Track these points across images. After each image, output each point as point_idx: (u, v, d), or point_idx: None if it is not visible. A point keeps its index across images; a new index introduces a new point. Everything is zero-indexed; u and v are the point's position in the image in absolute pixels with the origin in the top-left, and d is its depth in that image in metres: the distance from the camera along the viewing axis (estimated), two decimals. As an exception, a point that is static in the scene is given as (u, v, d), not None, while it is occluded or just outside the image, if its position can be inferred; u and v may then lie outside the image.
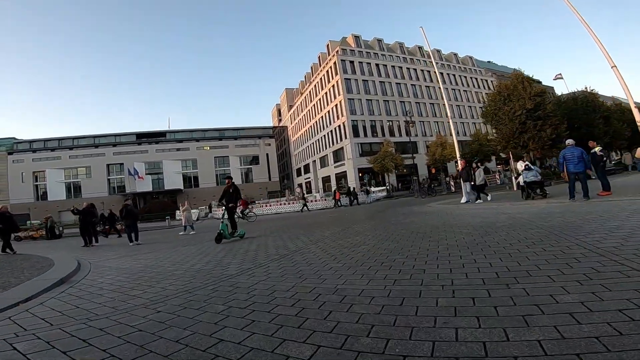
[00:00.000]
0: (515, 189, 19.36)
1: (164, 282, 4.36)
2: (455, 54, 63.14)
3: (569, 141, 9.37)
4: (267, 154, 68.51)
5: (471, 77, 61.13)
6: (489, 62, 70.21)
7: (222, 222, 8.78)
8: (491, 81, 62.48)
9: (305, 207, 26.70)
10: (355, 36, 53.99)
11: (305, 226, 11.87)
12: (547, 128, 19.56)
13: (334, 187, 43.63)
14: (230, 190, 9.40)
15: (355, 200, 27.31)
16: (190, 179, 66.71)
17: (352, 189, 29.53)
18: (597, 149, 9.72)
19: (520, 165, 12.11)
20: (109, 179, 63.03)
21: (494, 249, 4.35)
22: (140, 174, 60.49)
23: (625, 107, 30.26)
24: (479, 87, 61.42)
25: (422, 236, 6.17)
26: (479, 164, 13.75)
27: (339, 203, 26.93)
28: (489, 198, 12.87)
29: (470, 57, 64.03)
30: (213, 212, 35.29)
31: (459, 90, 58.38)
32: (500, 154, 43.37)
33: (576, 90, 26.13)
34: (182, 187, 64.20)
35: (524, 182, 11.30)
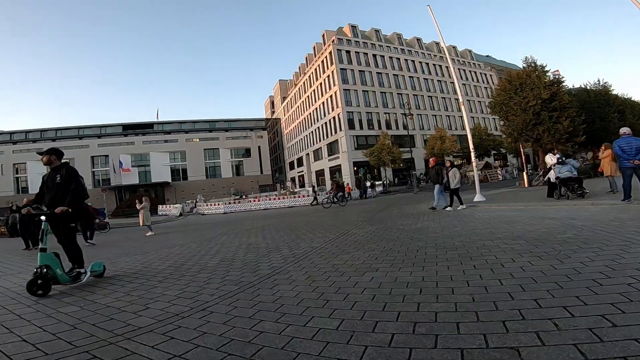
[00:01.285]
0: (541, 184, 17.49)
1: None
2: (454, 47, 61.13)
3: (625, 129, 7.43)
4: (259, 147, 66.13)
5: (470, 71, 59.29)
6: (487, 56, 68.37)
7: (42, 249, 3.84)
8: (490, 75, 60.76)
9: (315, 201, 24.81)
10: (352, 26, 51.65)
11: (293, 228, 9.82)
12: (563, 120, 17.72)
13: (344, 179, 39.98)
14: (58, 179, 4.28)
15: (346, 197, 25.50)
16: (178, 172, 64.17)
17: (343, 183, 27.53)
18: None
19: (551, 159, 10.14)
20: (93, 172, 60.16)
21: (616, 293, 2.32)
22: (125, 166, 57.80)
23: (636, 102, 28.61)
24: (477, 81, 59.64)
25: (457, 257, 4.12)
26: (453, 163, 11.33)
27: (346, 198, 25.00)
28: (460, 207, 10.15)
29: (469, 51, 62.10)
30: (198, 207, 33.05)
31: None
32: (501, 149, 41.72)
33: (588, 83, 24.35)
34: (169, 180, 61.69)
35: (557, 178, 9.34)
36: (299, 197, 27.14)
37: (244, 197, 37.26)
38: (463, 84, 56.94)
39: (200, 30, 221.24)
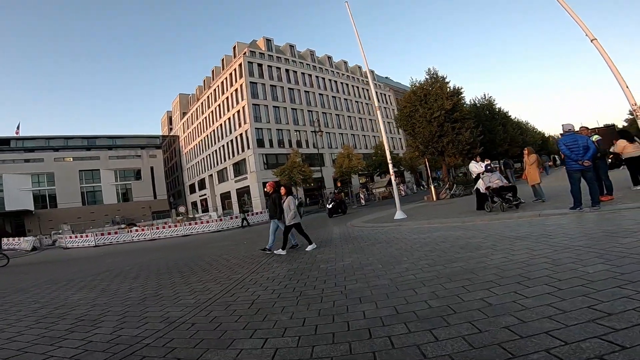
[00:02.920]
0: (448, 197, 17.40)
1: None
2: (360, 67, 64.40)
3: (568, 125, 6.45)
4: (151, 168, 57.91)
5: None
6: (386, 77, 73.98)
7: None
8: (388, 95, 65.37)
9: (245, 222, 21.84)
10: (267, 39, 49.78)
11: (166, 271, 6.53)
12: (464, 131, 18.31)
13: (254, 200, 37.11)
14: None
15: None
16: (45, 198, 51.77)
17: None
18: (595, 137, 7.13)
19: (476, 167, 9.13)
20: None
21: None
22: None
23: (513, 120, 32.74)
24: (379, 100, 63.47)
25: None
26: (290, 189, 7.64)
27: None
28: (309, 247, 7.10)
29: (372, 71, 66.12)
30: (59, 240, 25.72)
31: (362, 102, 59.08)
32: (400, 166, 44.08)
33: (475, 97, 26.68)
34: (32, 208, 49.20)
35: (488, 188, 8.22)
36: (197, 223, 22.89)
37: (135, 225, 30.86)
38: (366, 103, 59.81)
39: (87, 38, 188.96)
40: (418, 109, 19.18)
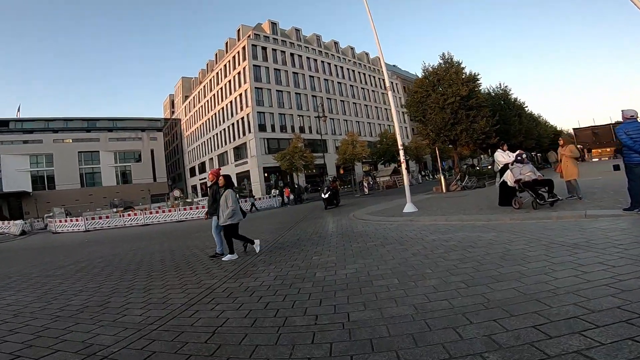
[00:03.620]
0: (459, 189, 16.06)
1: None
2: (367, 54, 62.36)
3: (630, 111, 5.17)
4: (152, 150, 56.77)
5: (379, 78, 60.91)
6: (394, 65, 71.72)
7: None
8: (396, 84, 63.40)
9: (254, 207, 22.50)
10: (272, 22, 47.94)
11: (140, 267, 5.45)
12: (479, 119, 16.92)
13: (254, 185, 36.74)
14: None
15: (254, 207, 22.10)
16: (43, 179, 50.99)
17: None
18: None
19: (504, 156, 7.84)
20: None
21: None
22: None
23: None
24: (385, 88, 61.59)
25: None
26: (231, 182, 6.20)
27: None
28: (233, 257, 5.74)
29: (379, 58, 63.95)
30: (49, 223, 24.88)
31: (368, 89, 57.30)
32: (405, 155, 42.58)
33: (490, 86, 25.01)
34: (29, 189, 48.49)
35: (518, 181, 6.98)
36: (193, 208, 21.85)
37: (133, 208, 30.00)
38: (373, 90, 58.04)
39: (92, 22, 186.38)
40: (430, 95, 17.74)
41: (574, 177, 7.36)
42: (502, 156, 7.88)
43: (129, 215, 21.81)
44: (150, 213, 21.51)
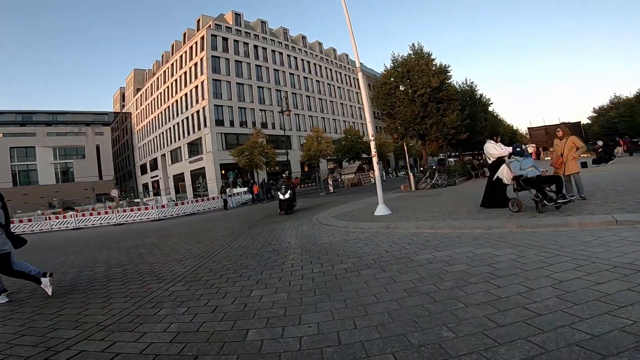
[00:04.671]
0: (428, 187, 14.88)
1: None
2: (334, 49, 61.17)
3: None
4: (97, 146, 51.52)
5: (345, 75, 59.96)
6: (361, 63, 71.37)
7: None
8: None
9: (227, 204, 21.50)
10: (236, 13, 45.00)
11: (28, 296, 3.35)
12: (450, 113, 16.02)
13: (209, 184, 33.78)
14: None
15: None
16: (-36, 178, 44.32)
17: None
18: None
19: (496, 148, 6.54)
20: None
21: None
22: None
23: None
24: (351, 85, 60.77)
25: None
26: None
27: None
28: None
29: (347, 55, 63.03)
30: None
31: (334, 85, 56.10)
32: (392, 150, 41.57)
33: (456, 82, 24.59)
34: (-55, 191, 41.72)
35: (517, 178, 5.70)
36: (134, 210, 19.07)
37: (74, 209, 26.21)
38: (338, 87, 56.96)
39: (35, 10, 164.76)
40: (399, 86, 16.61)
41: (576, 170, 6.23)
42: (495, 148, 6.58)
43: (56, 217, 18.60)
44: (84, 215, 18.45)
